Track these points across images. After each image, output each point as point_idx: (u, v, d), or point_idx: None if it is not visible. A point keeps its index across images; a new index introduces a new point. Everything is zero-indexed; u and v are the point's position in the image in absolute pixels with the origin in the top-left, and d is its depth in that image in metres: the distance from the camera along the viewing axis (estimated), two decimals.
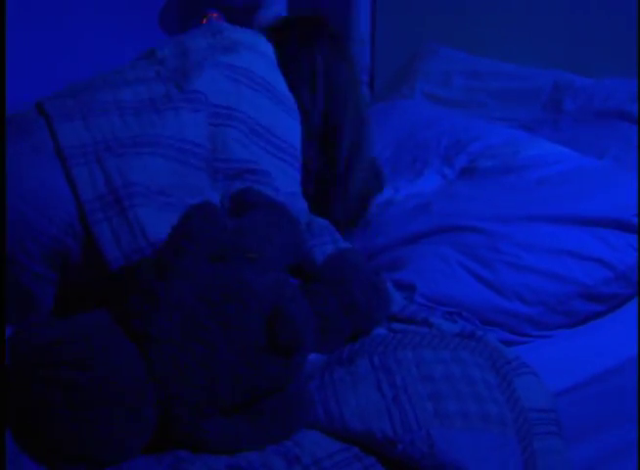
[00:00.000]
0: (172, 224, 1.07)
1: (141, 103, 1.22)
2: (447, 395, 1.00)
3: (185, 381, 0.91)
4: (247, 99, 1.29)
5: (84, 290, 1.14)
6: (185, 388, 0.91)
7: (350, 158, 1.44)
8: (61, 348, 0.89)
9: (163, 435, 0.92)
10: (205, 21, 2.34)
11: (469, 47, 2.23)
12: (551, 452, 1.03)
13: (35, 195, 1.12)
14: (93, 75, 1.29)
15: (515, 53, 2.15)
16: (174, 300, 0.93)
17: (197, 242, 0.99)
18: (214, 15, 2.37)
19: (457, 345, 1.09)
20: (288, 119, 1.34)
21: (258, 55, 1.35)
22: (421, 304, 1.27)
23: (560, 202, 1.45)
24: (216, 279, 0.97)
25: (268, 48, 1.37)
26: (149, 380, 0.90)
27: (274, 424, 0.94)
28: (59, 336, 0.90)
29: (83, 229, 1.12)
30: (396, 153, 1.75)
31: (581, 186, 1.50)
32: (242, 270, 0.99)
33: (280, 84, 1.35)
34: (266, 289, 0.97)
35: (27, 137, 1.17)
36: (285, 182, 1.29)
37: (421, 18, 2.34)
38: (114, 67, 1.31)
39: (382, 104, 2.22)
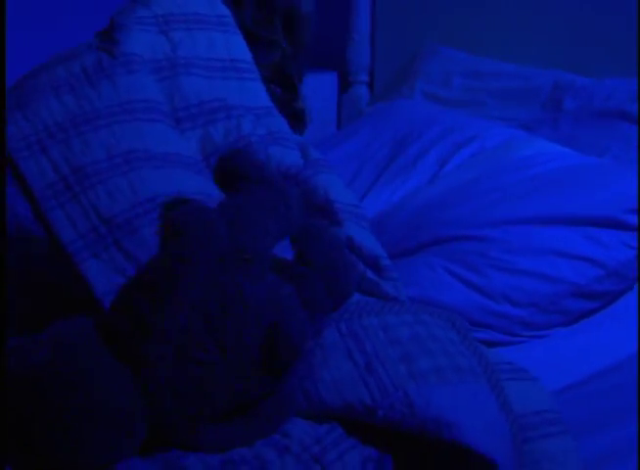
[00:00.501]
0: (135, 188, 1.09)
1: (74, 77, 1.21)
2: (417, 354, 1.01)
3: (179, 398, 0.90)
4: (181, 42, 1.28)
5: (55, 293, 1.14)
6: (179, 404, 0.90)
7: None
8: (50, 371, 0.87)
9: (156, 438, 0.92)
10: None
11: (469, 47, 2.23)
12: (524, 394, 1.05)
13: None
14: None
15: (515, 53, 2.15)
16: (169, 323, 0.90)
17: (194, 264, 0.93)
18: None
19: (417, 309, 1.11)
20: (231, 37, 1.32)
21: None
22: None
23: (549, 202, 1.46)
24: (214, 290, 0.93)
25: None
26: (140, 396, 0.89)
27: (268, 424, 0.94)
28: (47, 357, 0.88)
29: (41, 227, 1.12)
30: (395, 151, 1.75)
31: (571, 184, 1.50)
32: (239, 278, 0.96)
33: (210, 7, 1.33)
34: (264, 301, 0.95)
35: None
36: (256, 100, 1.28)
37: (421, 18, 2.34)
38: None
39: (381, 103, 2.22)
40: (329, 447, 0.94)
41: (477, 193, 1.52)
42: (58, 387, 0.87)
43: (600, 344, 1.35)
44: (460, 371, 1.00)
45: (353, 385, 0.97)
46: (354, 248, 1.20)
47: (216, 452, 0.91)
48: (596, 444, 1.15)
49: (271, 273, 1.02)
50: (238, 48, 1.32)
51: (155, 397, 0.89)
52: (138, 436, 0.89)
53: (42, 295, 1.16)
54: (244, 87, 1.28)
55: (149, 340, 0.89)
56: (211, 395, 0.90)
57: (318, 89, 2.36)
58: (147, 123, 1.19)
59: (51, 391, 0.87)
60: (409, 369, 0.99)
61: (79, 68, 1.22)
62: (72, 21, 2.08)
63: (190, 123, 1.24)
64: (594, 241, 1.40)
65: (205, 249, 0.93)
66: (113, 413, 0.87)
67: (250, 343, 0.91)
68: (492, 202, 1.48)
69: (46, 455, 0.87)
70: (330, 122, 2.49)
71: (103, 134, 1.17)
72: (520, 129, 1.84)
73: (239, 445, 0.93)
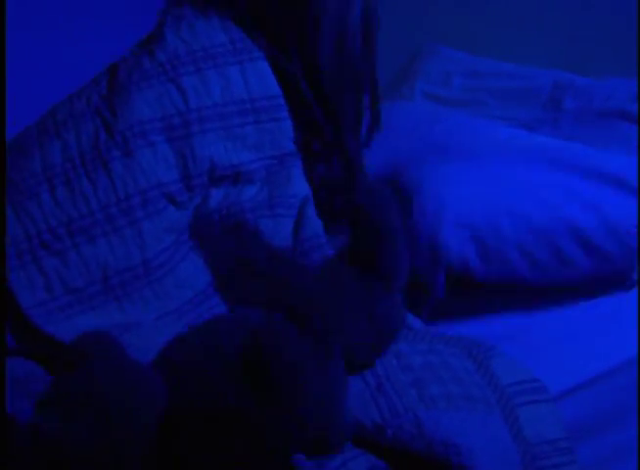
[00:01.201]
0: (127, 313, 1.07)
1: (70, 163, 1.15)
2: (429, 380, 1.01)
3: None
4: (193, 90, 1.18)
5: None
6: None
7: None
8: (87, 458, 0.80)
9: None
10: None
11: (469, 47, 2.23)
12: (538, 420, 1.05)
13: None
14: (37, 117, 1.22)
15: (515, 53, 2.15)
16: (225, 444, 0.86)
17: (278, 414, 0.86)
18: None
19: (432, 338, 1.11)
20: (248, 68, 1.21)
21: (186, 24, 1.22)
22: None
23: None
24: None
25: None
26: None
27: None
28: (86, 445, 0.79)
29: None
30: (397, 152, 1.75)
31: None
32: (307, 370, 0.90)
33: (223, 33, 1.22)
34: (319, 402, 0.90)
35: None
36: (272, 146, 1.20)
37: (421, 18, 2.33)
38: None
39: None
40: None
41: None
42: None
43: (601, 346, 1.36)
44: (472, 400, 1.00)
45: (364, 404, 0.98)
46: None
47: None
48: (597, 445, 1.15)
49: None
50: (257, 81, 1.21)
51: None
52: None
53: None
54: (261, 131, 1.20)
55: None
56: None
57: None
58: (146, 223, 1.14)
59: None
60: (419, 393, 0.99)
61: (75, 148, 1.15)
62: (73, 20, 2.08)
63: (200, 190, 1.18)
64: (602, 194, 1.42)
65: (294, 409, 0.87)
66: None
67: (292, 442, 0.89)
68: None
69: None
70: None
71: (100, 247, 1.11)
72: (521, 129, 1.84)
73: None
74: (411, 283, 1.09)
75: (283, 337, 0.88)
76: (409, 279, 1.06)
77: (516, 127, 1.85)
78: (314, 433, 0.90)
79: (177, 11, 1.25)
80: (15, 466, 0.78)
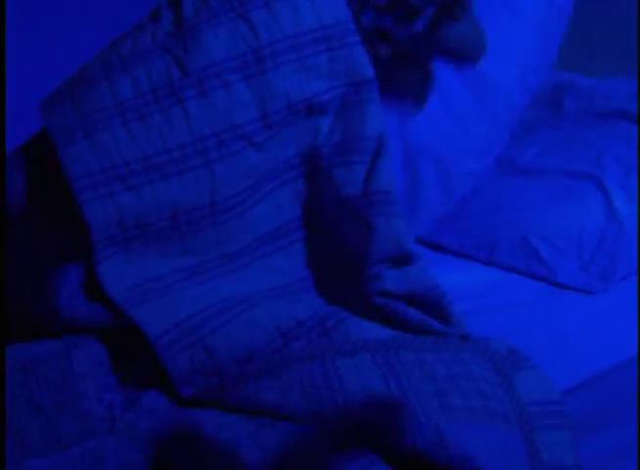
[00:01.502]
0: (188, 251, 1.09)
1: (143, 99, 1.13)
2: (452, 391, 1.00)
3: None
4: (263, 24, 1.16)
5: None
6: None
7: None
8: None
9: None
10: None
11: None
12: (556, 445, 1.04)
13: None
14: (95, 54, 1.20)
15: None
16: None
17: None
18: None
19: (457, 346, 1.09)
20: None
21: None
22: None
23: None
24: None
25: None
26: None
27: None
28: None
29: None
30: None
31: None
32: None
33: None
34: None
35: None
36: (346, 74, 1.18)
37: None
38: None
39: None
40: (347, 460, 0.94)
41: None
42: None
43: (601, 346, 1.36)
44: (492, 415, 0.99)
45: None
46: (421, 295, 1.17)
47: None
48: (597, 444, 1.15)
49: None
50: (326, 7, 1.18)
51: None
52: None
53: None
54: (334, 58, 1.18)
55: None
56: None
57: None
58: (219, 165, 1.13)
59: None
60: (441, 404, 0.98)
61: (147, 84, 1.13)
62: (73, 20, 2.08)
63: (278, 128, 1.16)
64: None
65: None
66: None
67: None
68: None
69: None
70: None
71: (174, 185, 1.11)
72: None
73: None
74: None
75: None
76: None
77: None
78: None
79: None
80: None
